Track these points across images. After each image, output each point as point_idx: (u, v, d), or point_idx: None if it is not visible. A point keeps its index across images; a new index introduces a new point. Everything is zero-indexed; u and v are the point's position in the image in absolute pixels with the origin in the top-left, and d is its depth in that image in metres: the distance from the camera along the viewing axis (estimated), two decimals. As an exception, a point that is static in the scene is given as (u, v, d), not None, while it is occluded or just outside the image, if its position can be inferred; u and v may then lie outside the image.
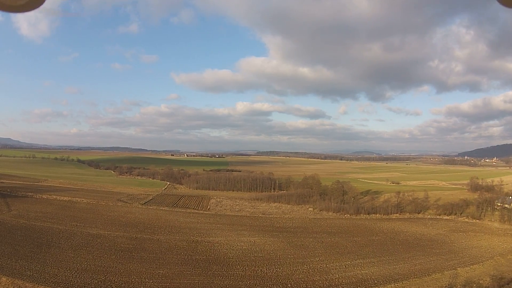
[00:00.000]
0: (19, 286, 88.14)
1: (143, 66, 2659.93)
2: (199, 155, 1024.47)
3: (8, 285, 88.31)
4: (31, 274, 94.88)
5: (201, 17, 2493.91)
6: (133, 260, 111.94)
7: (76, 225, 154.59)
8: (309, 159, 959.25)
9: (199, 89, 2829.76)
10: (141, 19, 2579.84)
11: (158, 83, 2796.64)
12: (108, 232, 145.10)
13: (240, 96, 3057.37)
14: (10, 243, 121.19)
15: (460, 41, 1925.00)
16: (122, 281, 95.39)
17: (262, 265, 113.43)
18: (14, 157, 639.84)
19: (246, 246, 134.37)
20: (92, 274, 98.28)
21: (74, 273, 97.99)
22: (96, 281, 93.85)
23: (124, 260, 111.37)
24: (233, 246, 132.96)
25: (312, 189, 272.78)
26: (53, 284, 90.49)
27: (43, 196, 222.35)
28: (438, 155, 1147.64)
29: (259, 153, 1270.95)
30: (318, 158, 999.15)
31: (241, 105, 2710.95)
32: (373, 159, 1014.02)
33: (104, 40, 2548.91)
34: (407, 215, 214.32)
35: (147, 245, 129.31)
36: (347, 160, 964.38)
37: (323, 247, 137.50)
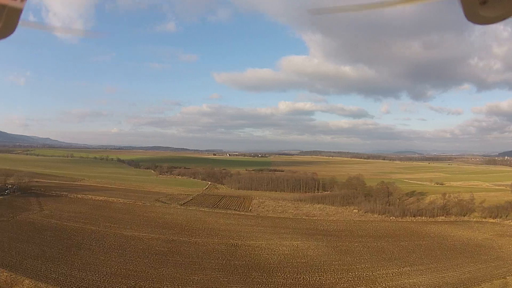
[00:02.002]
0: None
1: (183, 66, 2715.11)
2: (242, 155, 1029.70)
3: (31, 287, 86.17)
4: (56, 277, 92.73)
5: (239, 15, 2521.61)
6: (168, 265, 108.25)
7: (110, 226, 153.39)
8: (352, 159, 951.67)
9: (240, 88, 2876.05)
10: (178, 18, 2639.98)
11: (198, 83, 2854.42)
12: (143, 234, 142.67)
13: (282, 95, 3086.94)
14: (38, 243, 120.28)
15: (497, 38, 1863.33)
16: (153, 287, 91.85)
17: (304, 272, 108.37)
18: (52, 156, 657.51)
19: (288, 250, 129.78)
20: (121, 278, 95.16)
21: (102, 277, 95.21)
22: (125, 287, 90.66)
23: (157, 264, 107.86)
24: (275, 251, 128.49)
25: (356, 189, 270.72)
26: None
27: (78, 195, 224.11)
28: (479, 155, 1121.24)
29: (302, 153, 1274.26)
30: (361, 158, 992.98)
31: (284, 105, 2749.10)
32: (416, 159, 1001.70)
33: (141, 39, 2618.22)
34: (452, 218, 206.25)
35: (183, 249, 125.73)
36: (390, 160, 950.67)
37: (369, 253, 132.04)
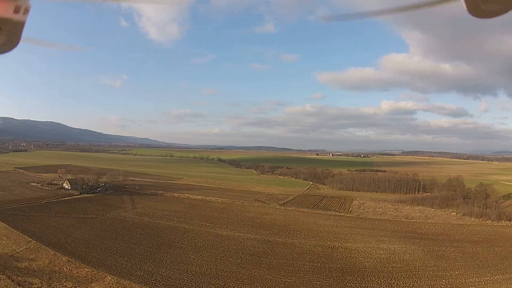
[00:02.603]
0: (124, 287, 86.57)
1: (284, 66, 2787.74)
2: (344, 155, 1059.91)
3: (112, 284, 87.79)
4: (142, 274, 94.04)
5: (337, 13, 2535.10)
6: (260, 266, 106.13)
7: (205, 225, 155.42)
8: (452, 159, 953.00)
9: (342, 88, 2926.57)
10: (276, 18, 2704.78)
11: (301, 83, 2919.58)
12: (239, 234, 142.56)
13: (384, 94, 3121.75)
14: (126, 241, 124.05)
15: None
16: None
17: (399, 277, 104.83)
18: (149, 156, 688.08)
19: (385, 254, 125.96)
20: (210, 279, 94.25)
21: (190, 276, 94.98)
22: (213, 287, 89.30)
23: (250, 265, 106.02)
24: (371, 254, 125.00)
25: (455, 191, 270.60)
26: (163, 287, 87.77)
27: (174, 194, 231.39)
28: None
29: (404, 153, 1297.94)
30: (460, 159, 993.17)
31: (386, 104, 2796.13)
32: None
33: (240, 41, 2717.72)
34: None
35: (278, 250, 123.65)
36: (488, 160, 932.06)
37: (464, 259, 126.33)
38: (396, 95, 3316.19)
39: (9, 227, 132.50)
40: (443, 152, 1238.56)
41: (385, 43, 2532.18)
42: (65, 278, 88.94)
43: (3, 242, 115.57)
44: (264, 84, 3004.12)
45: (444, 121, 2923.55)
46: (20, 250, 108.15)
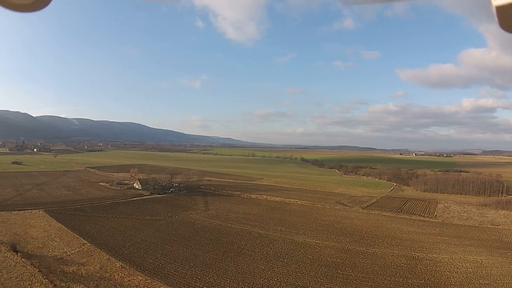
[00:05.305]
0: (179, 300, 79.38)
1: (365, 63, 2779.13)
2: (427, 154, 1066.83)
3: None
4: (201, 286, 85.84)
5: (415, 8, 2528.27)
6: (336, 280, 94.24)
7: (281, 230, 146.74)
8: None
9: (424, 85, 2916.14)
10: (354, 14, 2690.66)
11: (383, 80, 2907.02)
12: (316, 241, 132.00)
13: (465, 91, 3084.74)
14: (191, 246, 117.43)
15: None
16: (311, 307, 79.37)
17: None
18: (231, 155, 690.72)
19: (471, 268, 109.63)
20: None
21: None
22: (278, 305, 79.84)
23: (324, 279, 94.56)
24: (457, 267, 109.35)
25: None
26: (222, 303, 79.39)
27: (252, 195, 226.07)
28: None
29: (485, 153, 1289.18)
30: None
31: (467, 102, 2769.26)
32: None
33: (320, 39, 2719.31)
34: None
35: (358, 261, 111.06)
36: None
37: None
38: (477, 92, 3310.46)
39: (65, 228, 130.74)
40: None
41: (463, 38, 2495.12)
42: (114, 286, 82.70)
43: (55, 243, 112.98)
44: (347, 83, 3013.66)
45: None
46: (71, 253, 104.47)
